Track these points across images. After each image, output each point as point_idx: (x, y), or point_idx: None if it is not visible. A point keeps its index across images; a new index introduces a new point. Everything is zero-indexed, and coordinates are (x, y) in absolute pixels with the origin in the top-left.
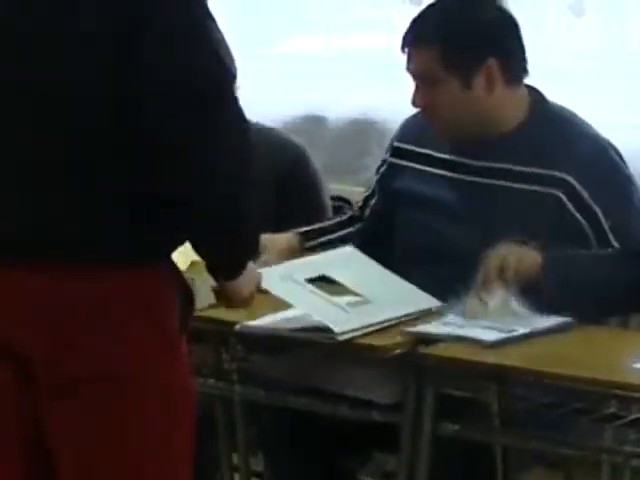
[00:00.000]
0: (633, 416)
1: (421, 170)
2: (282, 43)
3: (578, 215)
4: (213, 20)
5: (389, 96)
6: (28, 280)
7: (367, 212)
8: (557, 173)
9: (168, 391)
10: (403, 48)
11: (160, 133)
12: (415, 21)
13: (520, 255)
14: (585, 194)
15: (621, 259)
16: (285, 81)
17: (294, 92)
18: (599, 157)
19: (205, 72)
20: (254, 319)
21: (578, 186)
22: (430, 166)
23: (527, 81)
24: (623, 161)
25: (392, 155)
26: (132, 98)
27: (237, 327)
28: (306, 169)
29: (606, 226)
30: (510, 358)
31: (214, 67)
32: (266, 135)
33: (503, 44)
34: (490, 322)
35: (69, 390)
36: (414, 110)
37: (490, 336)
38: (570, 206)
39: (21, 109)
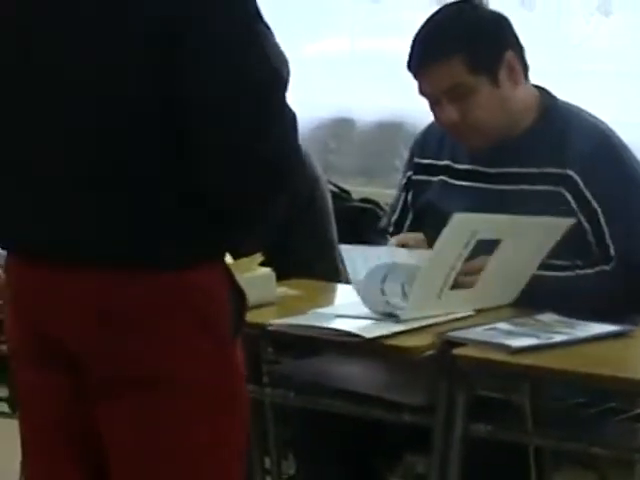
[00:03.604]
0: None
1: (443, 183)
2: (310, 46)
3: (579, 212)
4: (264, 23)
5: (417, 98)
6: (77, 281)
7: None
8: (564, 170)
9: (221, 394)
10: (417, 72)
11: (205, 136)
12: (422, 42)
13: None
14: (587, 192)
15: (614, 274)
16: (313, 84)
17: (322, 95)
18: (606, 156)
19: (252, 74)
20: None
21: (581, 183)
22: (451, 178)
23: (555, 81)
24: (635, 161)
25: (415, 173)
26: (177, 99)
27: (269, 327)
28: (306, 170)
29: (605, 229)
30: (542, 359)
31: (262, 69)
32: None
33: (513, 36)
34: (532, 330)
35: (117, 391)
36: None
37: (517, 342)
38: (573, 203)
39: (60, 107)
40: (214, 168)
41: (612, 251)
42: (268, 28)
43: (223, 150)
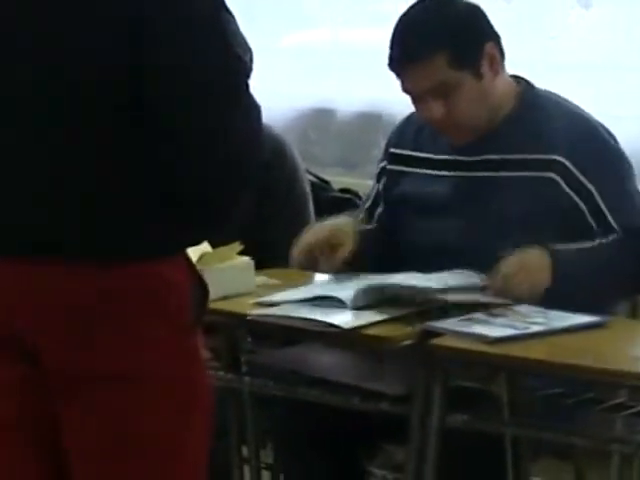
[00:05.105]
0: None
1: (421, 174)
2: (290, 36)
3: (573, 195)
4: (228, 11)
5: (397, 89)
6: (42, 277)
7: (374, 222)
8: (550, 156)
9: (184, 387)
10: (399, 72)
11: (173, 132)
12: (402, 41)
13: (529, 269)
14: (579, 174)
15: (623, 244)
16: (293, 74)
17: (302, 85)
18: (590, 137)
19: (218, 68)
20: (264, 307)
21: (571, 166)
22: (429, 168)
23: (533, 72)
24: (614, 139)
25: (390, 162)
26: (146, 98)
27: (248, 317)
28: (285, 160)
29: (602, 205)
30: (519, 349)
31: (228, 62)
32: None
33: (489, 26)
34: (509, 320)
35: (84, 389)
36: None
37: (495, 332)
38: (565, 187)
39: (38, 106)
40: (180, 162)
41: (614, 225)
42: (231, 15)
43: (190, 145)
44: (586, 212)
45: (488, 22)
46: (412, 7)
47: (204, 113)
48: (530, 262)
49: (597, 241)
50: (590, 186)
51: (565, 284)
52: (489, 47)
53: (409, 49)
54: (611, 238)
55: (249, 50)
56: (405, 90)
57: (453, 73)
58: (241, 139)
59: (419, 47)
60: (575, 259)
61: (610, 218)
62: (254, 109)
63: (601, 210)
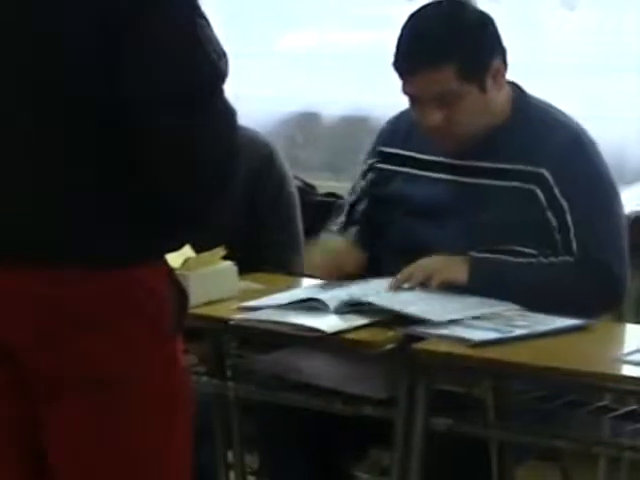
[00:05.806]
0: (627, 408)
1: (409, 174)
2: (277, 40)
3: (548, 209)
4: (202, 16)
5: (383, 93)
6: (26, 282)
7: (357, 216)
8: (535, 168)
9: (164, 392)
10: (404, 76)
11: (148, 135)
12: (412, 45)
13: (445, 264)
14: (556, 188)
15: (578, 267)
16: (279, 78)
17: (288, 89)
18: (573, 151)
19: (193, 72)
20: (247, 311)
21: (551, 180)
22: (418, 169)
23: (519, 74)
24: (599, 155)
25: (379, 160)
26: (119, 98)
27: (231, 322)
28: (273, 165)
29: (570, 221)
30: (503, 352)
31: (202, 67)
32: None
33: (500, 40)
34: (493, 324)
35: (66, 393)
36: (407, 106)
37: (478, 336)
38: (542, 200)
39: (22, 108)
40: (156, 168)
41: (574, 246)
42: (206, 20)
43: (165, 146)
44: (556, 229)
45: (498, 35)
46: (424, 8)
47: (180, 116)
48: (443, 259)
49: (542, 259)
50: (564, 203)
51: (484, 286)
52: (497, 63)
53: (417, 55)
54: (561, 259)
55: (224, 55)
56: (406, 92)
57: (459, 85)
58: (214, 142)
59: (428, 55)
60: (502, 268)
61: (573, 240)
62: (229, 113)
63: (568, 230)
